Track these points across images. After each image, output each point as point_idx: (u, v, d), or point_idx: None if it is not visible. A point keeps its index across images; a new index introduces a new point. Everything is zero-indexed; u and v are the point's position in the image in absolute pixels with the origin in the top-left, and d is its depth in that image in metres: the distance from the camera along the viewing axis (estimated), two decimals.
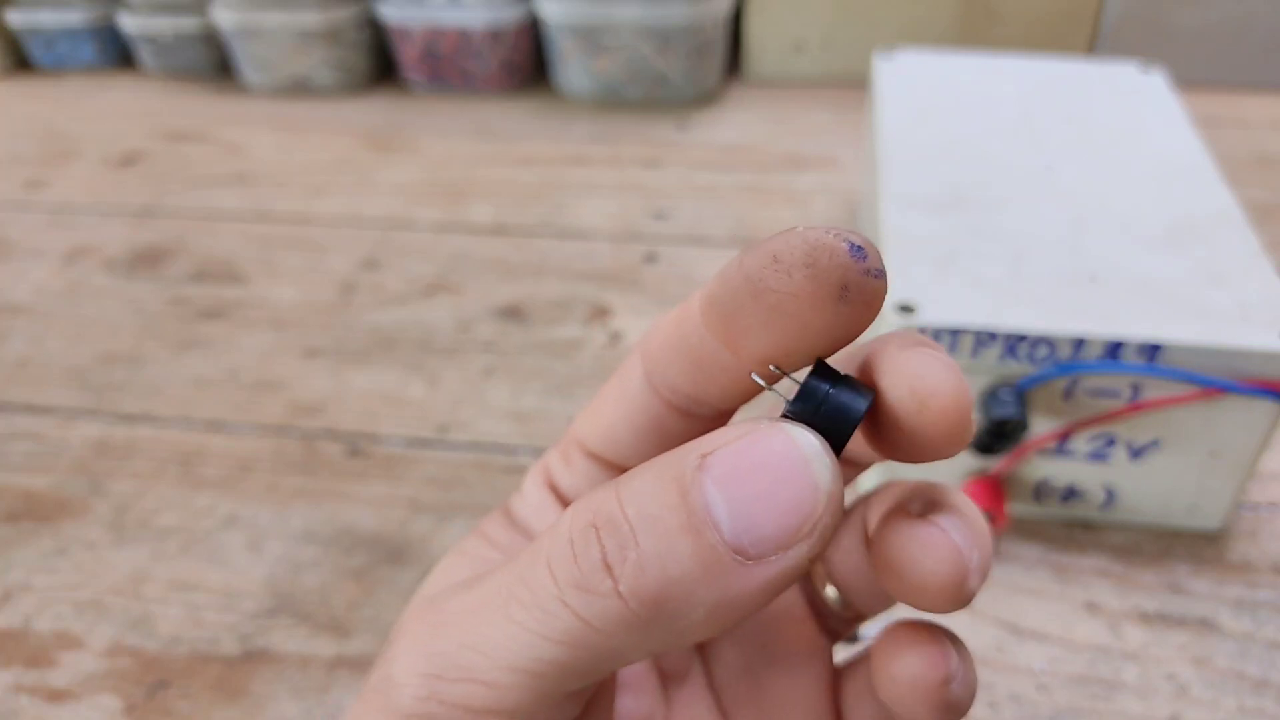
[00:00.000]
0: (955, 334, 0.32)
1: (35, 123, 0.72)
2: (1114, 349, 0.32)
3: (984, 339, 0.32)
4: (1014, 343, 0.32)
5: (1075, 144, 0.43)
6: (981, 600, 0.35)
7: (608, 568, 0.12)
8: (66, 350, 0.49)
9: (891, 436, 0.13)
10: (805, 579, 0.18)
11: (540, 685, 0.13)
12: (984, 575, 0.14)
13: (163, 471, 0.42)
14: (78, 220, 0.60)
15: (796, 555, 0.12)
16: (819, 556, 0.12)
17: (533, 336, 0.48)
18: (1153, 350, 0.31)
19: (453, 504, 0.39)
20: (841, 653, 0.19)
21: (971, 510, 0.15)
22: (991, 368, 0.33)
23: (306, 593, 0.36)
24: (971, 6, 0.67)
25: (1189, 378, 0.32)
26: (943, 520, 0.14)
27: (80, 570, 0.37)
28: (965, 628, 0.34)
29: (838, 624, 0.18)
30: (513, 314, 0.50)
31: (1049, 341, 0.32)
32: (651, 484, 0.12)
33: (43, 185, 0.64)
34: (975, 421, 0.13)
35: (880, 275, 0.12)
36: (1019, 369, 0.33)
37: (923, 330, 0.32)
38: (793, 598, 0.18)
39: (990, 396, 0.33)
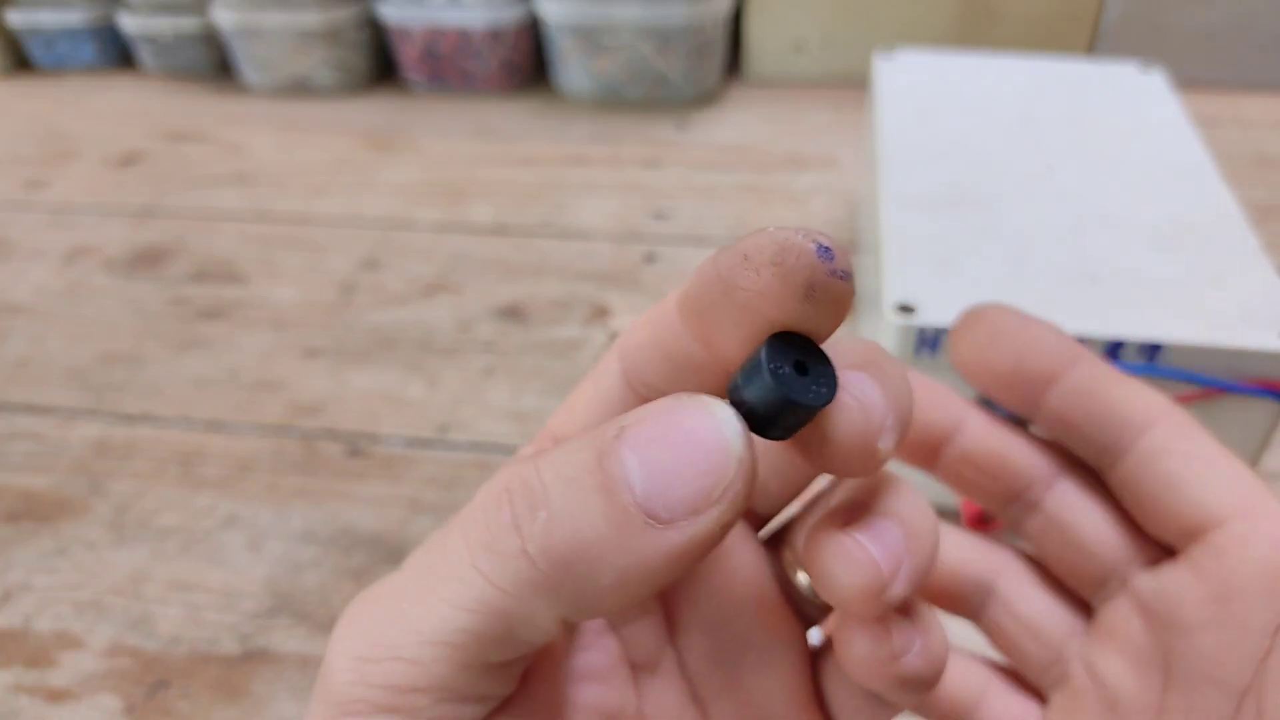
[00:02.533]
0: None
1: (35, 123, 0.72)
2: (1114, 349, 0.32)
3: None
4: None
5: (1075, 144, 0.43)
6: None
7: (516, 528, 0.13)
8: (66, 350, 0.49)
9: (804, 453, 0.14)
10: (778, 566, 0.18)
11: (459, 657, 0.13)
12: (914, 580, 0.14)
13: (163, 471, 0.42)
14: (78, 220, 0.60)
15: (708, 521, 0.12)
16: (730, 525, 0.13)
17: (533, 336, 0.48)
18: (1153, 350, 0.31)
19: (453, 504, 0.39)
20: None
21: (909, 510, 0.15)
22: None
23: (306, 593, 0.36)
24: (971, 6, 0.67)
25: (1189, 378, 0.32)
26: (864, 529, 0.14)
27: (80, 570, 0.37)
28: (967, 626, 0.34)
29: (812, 610, 0.18)
30: (513, 314, 0.50)
31: None
32: (571, 451, 0.13)
33: (43, 185, 0.64)
34: (884, 451, 0.13)
35: (846, 277, 0.13)
36: None
37: (923, 330, 0.32)
38: (765, 586, 0.18)
39: (989, 400, 0.33)
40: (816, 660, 0.18)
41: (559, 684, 0.16)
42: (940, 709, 0.20)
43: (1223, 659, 0.16)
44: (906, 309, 0.33)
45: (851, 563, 0.14)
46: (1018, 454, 0.19)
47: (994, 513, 0.19)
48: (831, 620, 0.18)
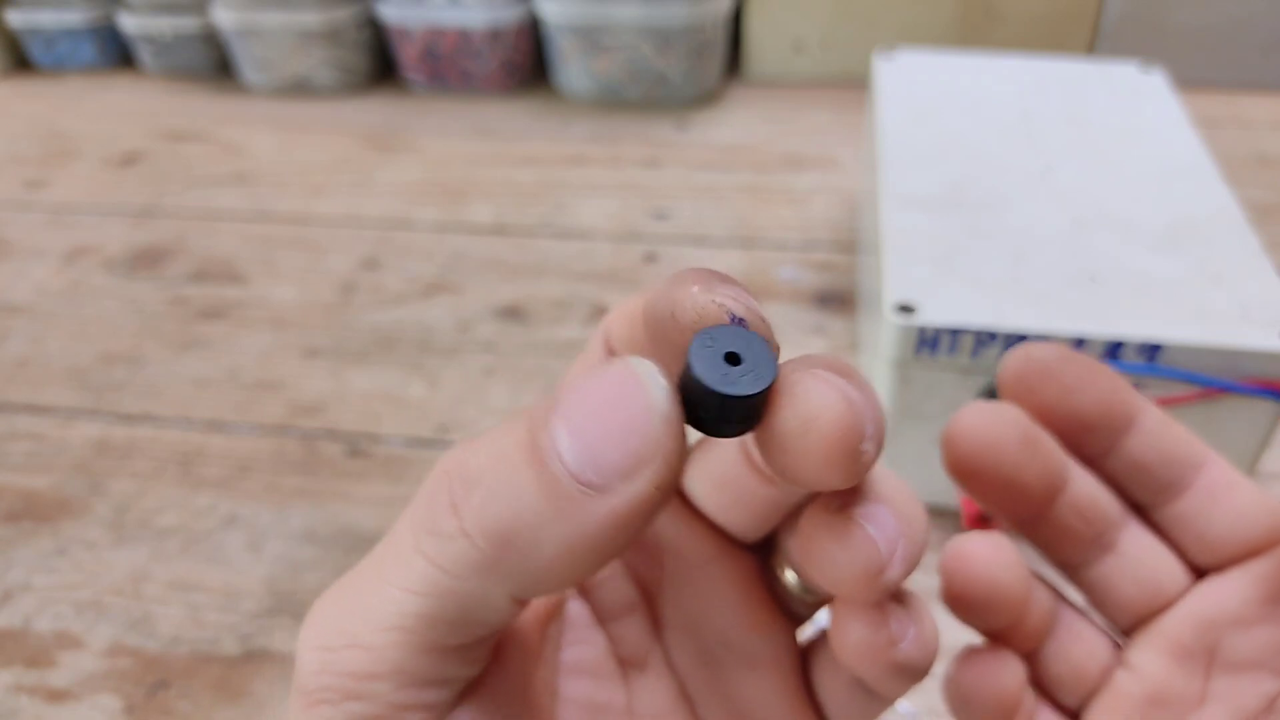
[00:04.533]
0: (955, 334, 0.32)
1: (35, 123, 0.72)
2: (1114, 349, 0.32)
3: (984, 339, 0.32)
4: (1014, 343, 0.32)
5: (1075, 144, 0.43)
6: None
7: (454, 508, 0.13)
8: (66, 350, 0.49)
9: (779, 459, 0.13)
10: (766, 565, 0.18)
11: (412, 641, 0.13)
12: (910, 563, 0.14)
13: (163, 471, 0.42)
14: (78, 220, 0.60)
15: (642, 484, 0.12)
16: (669, 488, 0.12)
17: (533, 336, 0.48)
18: (1153, 350, 0.31)
19: None
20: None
21: (902, 498, 0.15)
22: (991, 368, 0.33)
23: (307, 593, 0.36)
24: (971, 6, 0.67)
25: (1189, 378, 0.32)
26: (861, 513, 0.14)
27: (80, 570, 0.37)
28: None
29: (800, 608, 0.18)
30: (513, 314, 0.50)
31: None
32: (507, 429, 0.13)
33: (43, 185, 0.64)
34: (867, 454, 0.13)
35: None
36: None
37: (923, 330, 0.32)
38: (751, 585, 0.18)
39: (990, 397, 0.33)
40: (806, 658, 0.18)
41: (528, 668, 0.16)
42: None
43: (1274, 648, 0.18)
44: (906, 309, 0.33)
45: (850, 544, 0.14)
46: (1106, 498, 0.19)
47: (1074, 560, 0.19)
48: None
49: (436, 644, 0.13)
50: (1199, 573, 0.19)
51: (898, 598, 0.15)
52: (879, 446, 0.13)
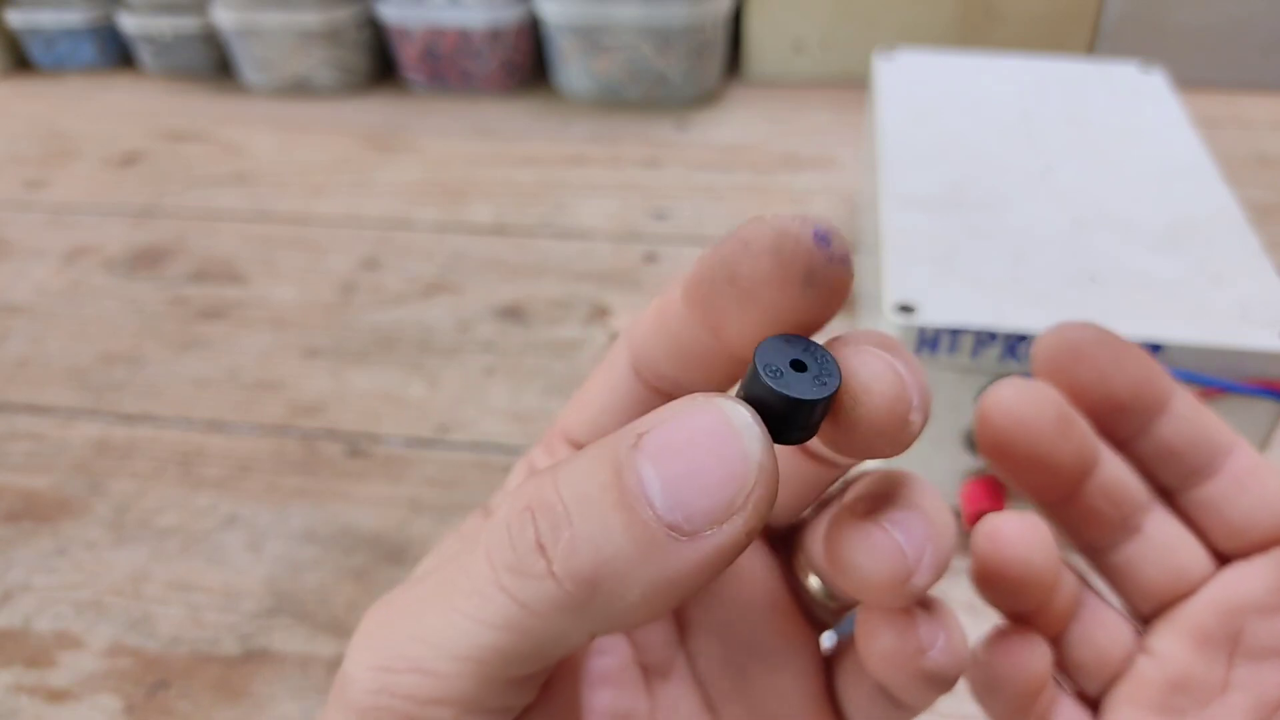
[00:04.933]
0: (955, 334, 0.32)
1: (35, 123, 0.72)
2: None
3: (984, 339, 0.32)
4: (1014, 343, 0.32)
5: (1075, 144, 0.43)
6: None
7: (541, 549, 0.12)
8: (66, 350, 0.49)
9: (829, 431, 0.13)
10: (788, 570, 0.18)
11: (483, 672, 0.13)
12: (937, 570, 0.14)
13: (163, 471, 0.42)
14: (78, 220, 0.60)
15: (732, 530, 0.12)
16: (756, 531, 0.12)
17: (533, 336, 0.48)
18: (1153, 350, 0.31)
19: (453, 504, 0.39)
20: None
21: (930, 504, 0.15)
22: (991, 368, 0.33)
23: (306, 593, 0.36)
24: (971, 6, 0.67)
25: (1189, 378, 0.32)
26: (888, 518, 0.14)
27: (80, 570, 0.37)
28: (968, 622, 0.34)
29: (824, 614, 0.18)
30: (513, 314, 0.50)
31: None
32: (587, 465, 0.12)
33: (43, 185, 0.64)
34: (915, 424, 0.13)
35: (844, 262, 0.13)
36: (1019, 369, 0.33)
37: (923, 330, 0.32)
38: (776, 590, 0.18)
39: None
40: (829, 665, 0.18)
41: (577, 688, 0.16)
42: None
43: None
44: (906, 309, 0.33)
45: (877, 550, 0.14)
46: (1133, 481, 0.19)
47: (1099, 543, 0.19)
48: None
49: (506, 675, 0.13)
50: (1223, 559, 0.18)
51: (925, 605, 0.15)
52: (925, 417, 0.13)
